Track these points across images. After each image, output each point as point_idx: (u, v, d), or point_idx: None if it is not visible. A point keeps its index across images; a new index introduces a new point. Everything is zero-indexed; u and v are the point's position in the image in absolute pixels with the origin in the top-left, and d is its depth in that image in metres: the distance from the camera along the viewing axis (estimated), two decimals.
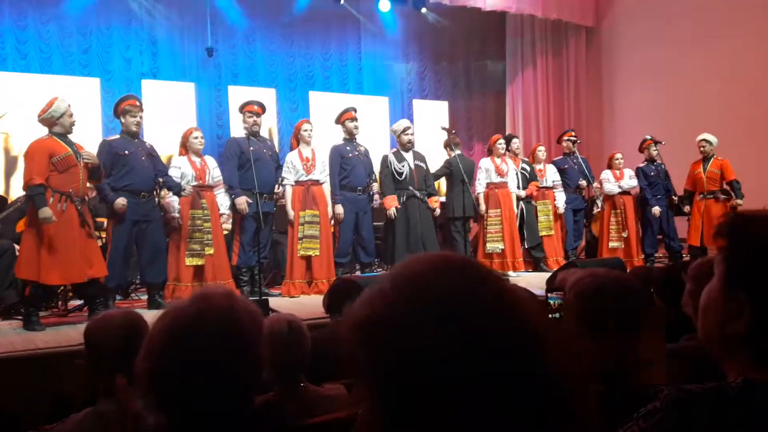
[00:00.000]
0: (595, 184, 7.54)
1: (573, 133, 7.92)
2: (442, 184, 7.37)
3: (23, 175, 4.44)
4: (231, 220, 5.98)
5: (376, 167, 6.50)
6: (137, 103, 5.30)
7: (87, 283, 4.52)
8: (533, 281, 5.93)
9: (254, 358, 1.19)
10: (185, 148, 5.63)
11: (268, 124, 7.52)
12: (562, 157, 7.84)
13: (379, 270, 6.95)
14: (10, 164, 6.74)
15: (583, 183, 7.51)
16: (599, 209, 7.54)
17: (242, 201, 5.58)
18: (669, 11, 8.97)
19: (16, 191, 6.54)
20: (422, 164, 6.43)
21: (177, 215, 5.39)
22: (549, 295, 1.92)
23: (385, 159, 6.41)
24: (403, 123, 6.60)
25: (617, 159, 7.55)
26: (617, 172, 7.51)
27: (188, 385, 1.12)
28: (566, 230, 7.54)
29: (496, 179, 6.95)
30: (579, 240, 7.82)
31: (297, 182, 5.88)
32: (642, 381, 1.42)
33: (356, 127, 6.23)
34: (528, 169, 7.35)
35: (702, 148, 7.05)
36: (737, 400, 0.82)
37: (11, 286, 4.93)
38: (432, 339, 0.61)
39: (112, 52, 7.62)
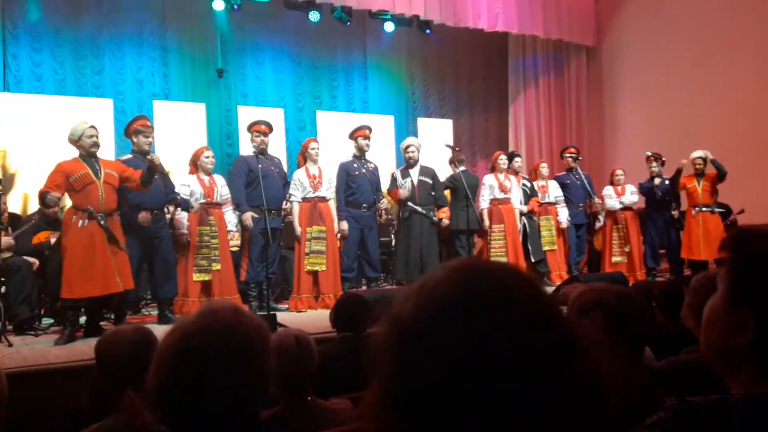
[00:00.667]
0: (597, 200, 7.63)
1: (574, 150, 8.02)
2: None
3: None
4: (240, 237, 6.10)
5: (385, 184, 6.64)
6: (149, 124, 5.42)
7: (116, 295, 4.67)
8: None
9: (261, 372, 1.19)
10: (195, 166, 5.73)
11: (277, 143, 7.65)
12: (564, 173, 7.94)
13: (385, 285, 7.03)
14: (7, 182, 6.68)
15: (595, 201, 7.60)
16: (601, 224, 7.64)
17: (248, 217, 5.68)
18: (667, 31, 9.11)
19: (33, 207, 6.69)
20: (428, 179, 6.52)
21: (186, 232, 5.48)
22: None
23: (392, 175, 6.68)
24: (406, 141, 6.76)
25: (618, 175, 7.65)
26: (618, 188, 7.61)
27: (195, 399, 1.12)
28: (569, 245, 7.61)
29: (500, 195, 7.05)
30: (581, 255, 7.86)
31: (304, 199, 5.98)
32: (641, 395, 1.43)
33: (367, 145, 6.37)
34: (529, 185, 7.45)
35: (698, 166, 7.13)
36: (740, 412, 0.81)
37: (24, 301, 5.02)
38: (469, 339, 0.59)
39: (124, 73, 7.80)
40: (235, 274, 5.80)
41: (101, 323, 4.90)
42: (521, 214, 7.19)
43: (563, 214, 7.51)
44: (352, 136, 6.43)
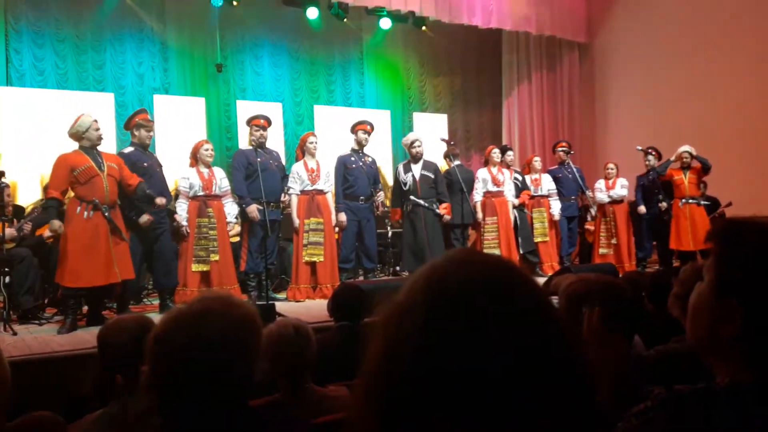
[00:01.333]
0: (589, 193, 7.78)
1: (565, 144, 8.16)
2: None
3: (47, 185, 4.75)
4: (239, 228, 6.22)
5: (382, 178, 6.78)
6: (149, 117, 5.52)
7: (116, 285, 4.76)
8: None
9: (248, 360, 1.20)
10: (195, 159, 5.82)
11: (275, 137, 7.75)
12: (557, 167, 8.06)
13: (381, 275, 7.16)
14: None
15: (587, 194, 7.74)
16: (593, 217, 7.81)
17: (253, 209, 5.77)
18: (658, 28, 9.22)
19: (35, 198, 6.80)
20: (430, 174, 6.61)
21: (185, 224, 5.58)
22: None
23: (395, 170, 6.77)
24: (412, 136, 6.84)
25: (609, 169, 7.78)
26: (609, 181, 7.76)
27: (181, 386, 1.14)
28: (561, 237, 7.75)
29: (493, 188, 7.18)
30: (573, 246, 7.99)
31: (302, 191, 6.08)
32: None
33: (366, 140, 6.47)
34: (520, 179, 7.59)
35: (685, 159, 7.27)
36: (725, 400, 0.82)
37: (28, 291, 5.10)
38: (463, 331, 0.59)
39: (125, 68, 7.88)
40: (235, 265, 5.88)
41: (103, 312, 4.99)
42: (513, 206, 7.32)
43: (555, 207, 7.66)
44: (354, 129, 6.53)
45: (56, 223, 4.53)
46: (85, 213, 4.61)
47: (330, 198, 6.26)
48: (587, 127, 10.46)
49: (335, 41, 9.32)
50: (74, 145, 4.85)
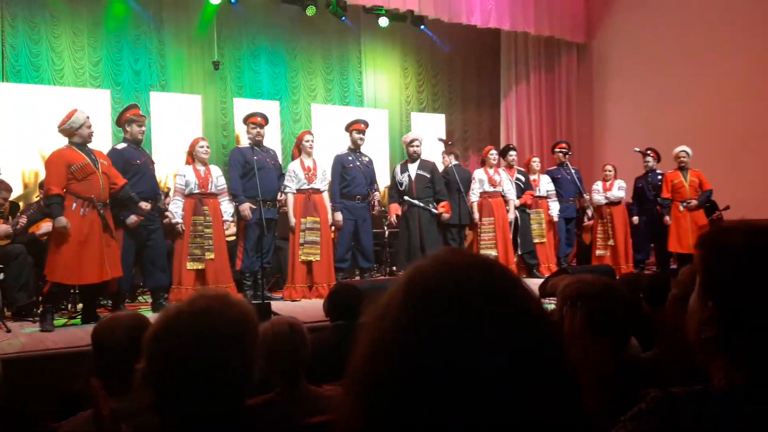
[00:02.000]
0: (586, 195, 7.77)
1: (564, 145, 8.14)
2: None
3: (44, 183, 4.69)
4: (235, 227, 6.19)
5: (382, 177, 6.76)
6: (141, 113, 5.49)
7: (107, 282, 4.73)
8: None
9: (245, 358, 1.20)
10: (192, 156, 5.80)
11: (272, 135, 7.74)
12: (555, 167, 8.05)
13: (378, 275, 7.14)
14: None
15: (585, 197, 7.74)
16: (590, 219, 7.80)
17: (245, 207, 5.76)
18: (656, 29, 9.23)
19: (30, 195, 6.76)
20: (426, 173, 6.60)
21: (180, 221, 5.55)
22: (541, 300, 2.04)
23: (393, 170, 6.76)
24: (411, 135, 6.84)
25: (607, 171, 7.77)
26: (607, 183, 7.74)
27: (179, 384, 1.14)
28: (559, 238, 7.74)
29: (489, 189, 7.17)
30: (570, 247, 7.99)
31: (299, 190, 6.06)
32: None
33: (361, 139, 6.44)
34: (523, 179, 7.57)
35: (682, 159, 7.25)
36: (720, 402, 0.83)
37: (22, 288, 5.07)
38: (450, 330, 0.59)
39: (121, 65, 7.84)
40: (231, 264, 5.87)
41: (98, 310, 4.98)
42: (514, 206, 7.29)
43: (554, 208, 7.63)
44: (348, 129, 6.52)
45: (63, 220, 4.48)
46: (81, 210, 4.59)
47: (326, 197, 6.25)
48: (585, 127, 10.47)
49: (333, 40, 9.30)
50: (64, 141, 4.80)
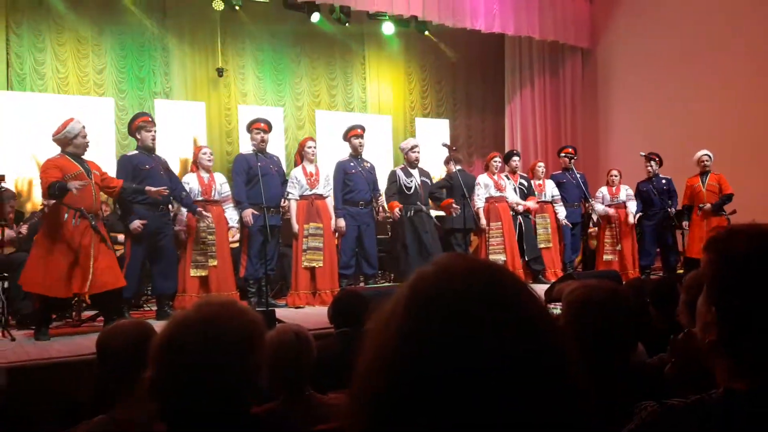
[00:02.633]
0: (592, 201, 7.72)
1: (570, 150, 8.09)
2: None
3: (41, 187, 4.62)
4: (239, 234, 6.18)
5: (382, 183, 6.70)
6: (150, 119, 5.50)
7: (105, 293, 4.63)
8: None
9: (251, 365, 1.19)
10: (196, 164, 5.83)
11: (276, 142, 7.73)
12: (560, 172, 8.02)
13: (382, 282, 7.11)
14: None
15: (590, 203, 7.69)
16: (595, 225, 7.74)
17: (248, 213, 5.75)
18: (661, 34, 9.19)
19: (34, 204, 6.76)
20: (427, 180, 6.65)
21: (184, 228, 5.56)
22: (548, 305, 2.00)
23: (393, 174, 6.68)
24: (411, 141, 6.83)
25: (613, 176, 7.71)
26: (613, 188, 7.68)
27: (186, 392, 1.14)
28: (564, 243, 7.69)
29: (495, 194, 7.14)
30: (576, 253, 7.93)
31: (301, 196, 6.04)
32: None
33: (361, 145, 6.40)
34: (526, 184, 7.53)
35: (704, 163, 7.20)
36: (718, 411, 0.82)
37: (27, 297, 5.04)
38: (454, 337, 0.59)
39: (126, 72, 7.86)
40: (235, 271, 5.87)
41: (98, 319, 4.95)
42: (517, 213, 7.26)
43: (561, 212, 7.58)
44: (346, 137, 6.48)
45: (73, 184, 4.36)
46: (73, 221, 4.49)
47: (330, 203, 6.23)
48: (590, 132, 10.42)
49: (337, 46, 9.30)
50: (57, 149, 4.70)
